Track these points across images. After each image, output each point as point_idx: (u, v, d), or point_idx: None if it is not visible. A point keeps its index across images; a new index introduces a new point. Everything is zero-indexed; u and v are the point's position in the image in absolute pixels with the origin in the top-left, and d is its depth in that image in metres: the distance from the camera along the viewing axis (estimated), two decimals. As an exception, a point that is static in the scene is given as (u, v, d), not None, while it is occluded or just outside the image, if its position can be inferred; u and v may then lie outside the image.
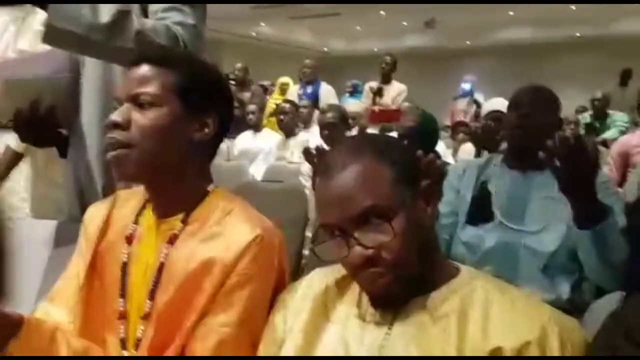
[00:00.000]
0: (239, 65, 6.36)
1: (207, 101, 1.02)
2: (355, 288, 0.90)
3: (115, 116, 0.97)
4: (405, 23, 11.37)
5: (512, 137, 1.65)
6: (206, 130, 1.01)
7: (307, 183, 3.13)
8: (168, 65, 0.99)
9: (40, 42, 1.24)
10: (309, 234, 2.51)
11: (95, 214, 1.10)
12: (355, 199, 0.81)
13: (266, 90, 6.48)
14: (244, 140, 4.88)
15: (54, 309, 1.03)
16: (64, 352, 0.83)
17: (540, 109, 1.59)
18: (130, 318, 1.00)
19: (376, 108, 5.10)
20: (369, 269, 0.81)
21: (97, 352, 0.86)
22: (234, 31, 10.56)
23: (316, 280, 0.95)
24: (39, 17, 1.50)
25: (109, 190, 1.40)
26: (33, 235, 1.47)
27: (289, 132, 4.48)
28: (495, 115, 3.22)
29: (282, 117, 4.50)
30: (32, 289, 1.34)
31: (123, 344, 0.99)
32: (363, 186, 0.81)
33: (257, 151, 4.57)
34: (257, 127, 4.92)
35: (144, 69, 0.99)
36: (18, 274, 1.39)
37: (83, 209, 1.43)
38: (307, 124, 4.87)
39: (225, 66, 6.48)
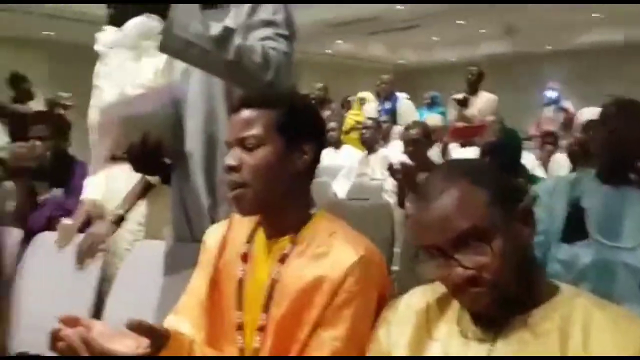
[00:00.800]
0: (319, 84, 6.57)
1: (305, 132, 1.12)
2: (455, 306, 0.95)
3: (229, 160, 1.10)
4: (483, 30, 11.12)
5: (603, 153, 1.65)
6: (305, 157, 1.12)
7: (391, 199, 3.17)
8: (267, 107, 1.10)
9: (158, 51, 1.38)
10: (397, 249, 2.56)
11: (214, 234, 1.23)
12: (454, 222, 0.86)
13: (349, 105, 6.61)
14: (325, 158, 4.98)
15: (179, 322, 1.15)
16: None
17: (627, 124, 1.59)
18: (246, 330, 1.11)
19: (460, 124, 5.01)
20: (470, 289, 0.86)
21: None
22: (310, 50, 10.76)
23: (415, 299, 1.01)
24: (153, 58, 1.66)
25: (214, 211, 1.53)
26: (149, 257, 1.62)
27: (370, 147, 4.54)
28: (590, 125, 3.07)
29: (365, 132, 4.57)
30: (150, 306, 1.49)
31: (241, 353, 1.10)
32: (460, 209, 0.86)
33: (338, 168, 4.65)
34: (337, 144, 5.03)
35: (246, 113, 1.10)
36: (138, 292, 1.55)
37: (191, 230, 1.57)
38: (385, 140, 4.91)
39: (301, 84, 6.66)
